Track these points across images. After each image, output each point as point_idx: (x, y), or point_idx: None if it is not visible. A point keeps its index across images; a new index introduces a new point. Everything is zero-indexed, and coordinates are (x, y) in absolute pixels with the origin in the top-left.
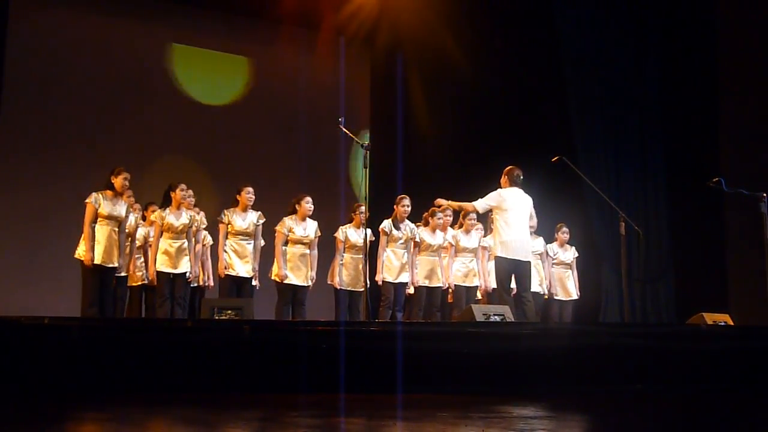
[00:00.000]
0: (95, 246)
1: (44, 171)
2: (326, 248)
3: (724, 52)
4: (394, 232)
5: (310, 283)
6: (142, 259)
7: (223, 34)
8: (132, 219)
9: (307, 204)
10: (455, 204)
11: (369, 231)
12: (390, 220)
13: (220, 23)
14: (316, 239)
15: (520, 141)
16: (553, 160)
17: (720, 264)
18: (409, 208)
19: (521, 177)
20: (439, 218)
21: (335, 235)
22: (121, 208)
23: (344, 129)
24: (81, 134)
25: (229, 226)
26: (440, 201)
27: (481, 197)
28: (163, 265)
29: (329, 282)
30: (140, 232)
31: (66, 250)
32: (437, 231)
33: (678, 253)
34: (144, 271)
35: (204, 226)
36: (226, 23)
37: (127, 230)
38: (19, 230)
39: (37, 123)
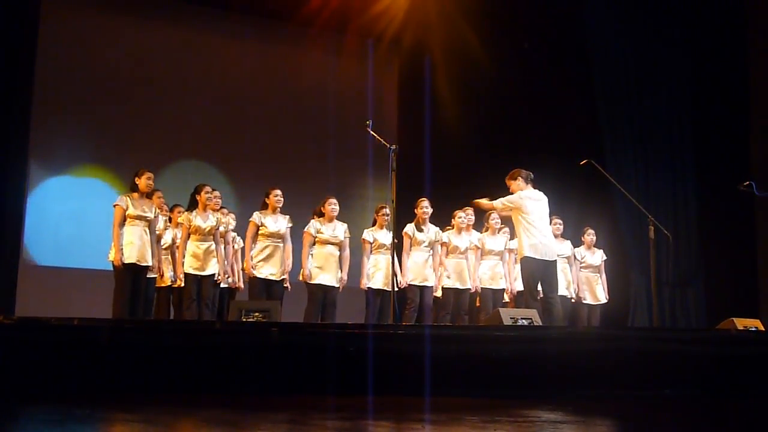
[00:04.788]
0: (128, 246)
1: (76, 172)
2: (354, 251)
3: (755, 53)
4: (417, 235)
5: (339, 284)
6: (170, 261)
7: (251, 37)
8: (161, 221)
9: (330, 206)
10: (485, 203)
11: (390, 233)
12: (413, 223)
13: (248, 26)
14: (346, 240)
15: (548, 143)
16: (581, 163)
17: (751, 268)
18: (429, 210)
19: (531, 175)
20: (461, 218)
21: (363, 237)
22: (149, 209)
23: (372, 132)
24: (111, 136)
25: (262, 227)
26: (478, 203)
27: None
28: (190, 267)
29: (361, 287)
30: (168, 234)
31: (97, 252)
32: (462, 232)
33: (708, 257)
34: (172, 273)
35: (232, 227)
36: (253, 26)
37: (157, 232)
38: (51, 231)
39: (67, 124)
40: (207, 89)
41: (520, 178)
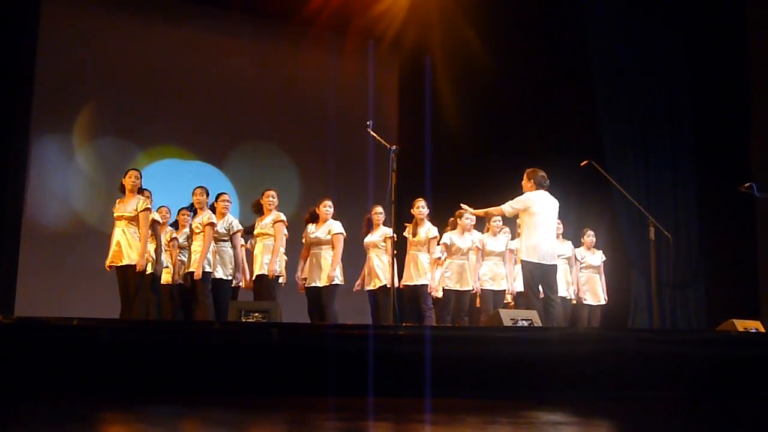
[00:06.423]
0: (112, 248)
1: (76, 173)
2: (356, 252)
3: (756, 55)
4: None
5: (325, 284)
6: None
7: (252, 37)
8: (156, 216)
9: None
10: (481, 212)
11: (386, 229)
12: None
13: (248, 26)
14: (328, 238)
15: (548, 144)
16: (582, 164)
17: (751, 270)
18: (426, 210)
19: (547, 180)
20: (467, 218)
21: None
22: (130, 206)
23: (372, 132)
24: (109, 137)
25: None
26: (464, 209)
27: (510, 200)
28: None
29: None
30: (169, 232)
31: (98, 252)
32: (465, 233)
33: (708, 259)
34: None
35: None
36: (254, 26)
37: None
38: (52, 232)
39: (68, 125)
40: (206, 89)
41: (533, 180)
